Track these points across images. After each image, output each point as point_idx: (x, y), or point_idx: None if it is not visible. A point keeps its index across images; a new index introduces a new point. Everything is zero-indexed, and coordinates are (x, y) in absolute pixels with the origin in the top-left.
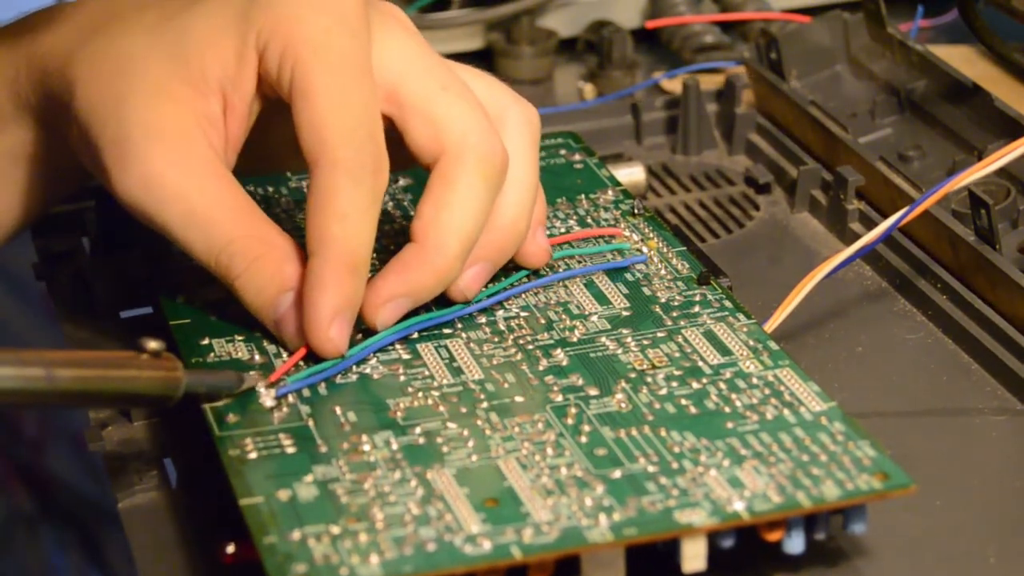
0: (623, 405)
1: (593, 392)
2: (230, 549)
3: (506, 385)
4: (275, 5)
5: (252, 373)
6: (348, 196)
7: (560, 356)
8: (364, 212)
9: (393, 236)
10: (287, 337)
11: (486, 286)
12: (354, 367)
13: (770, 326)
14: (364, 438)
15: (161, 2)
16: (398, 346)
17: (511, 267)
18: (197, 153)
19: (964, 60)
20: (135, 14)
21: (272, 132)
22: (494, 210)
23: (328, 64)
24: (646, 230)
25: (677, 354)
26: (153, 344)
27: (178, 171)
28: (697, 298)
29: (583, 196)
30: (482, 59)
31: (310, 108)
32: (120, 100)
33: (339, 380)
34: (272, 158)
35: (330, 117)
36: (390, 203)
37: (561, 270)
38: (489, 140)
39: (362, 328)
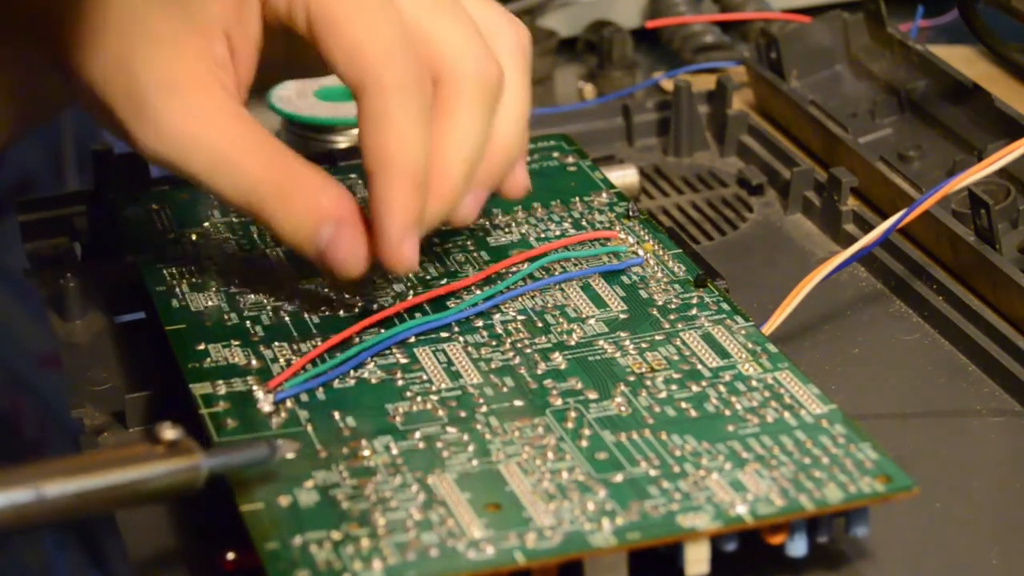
0: (623, 409)
1: (592, 396)
2: (231, 556)
3: (505, 389)
4: None
5: (284, 441)
6: (402, 115)
7: (558, 360)
8: (419, 127)
9: None
10: (336, 266)
11: (481, 290)
12: (352, 372)
13: (768, 328)
14: (364, 443)
15: None
16: (395, 350)
17: (507, 271)
18: (213, 99)
19: (964, 60)
20: None
21: (279, 51)
22: (490, 136)
23: None
24: (642, 232)
25: (676, 357)
26: (170, 433)
27: (197, 120)
28: (694, 300)
29: (577, 199)
30: None
31: (342, 36)
32: (126, 54)
33: (337, 385)
34: (285, 70)
35: (366, 41)
36: None
37: (557, 273)
38: (485, 63)
39: (357, 335)
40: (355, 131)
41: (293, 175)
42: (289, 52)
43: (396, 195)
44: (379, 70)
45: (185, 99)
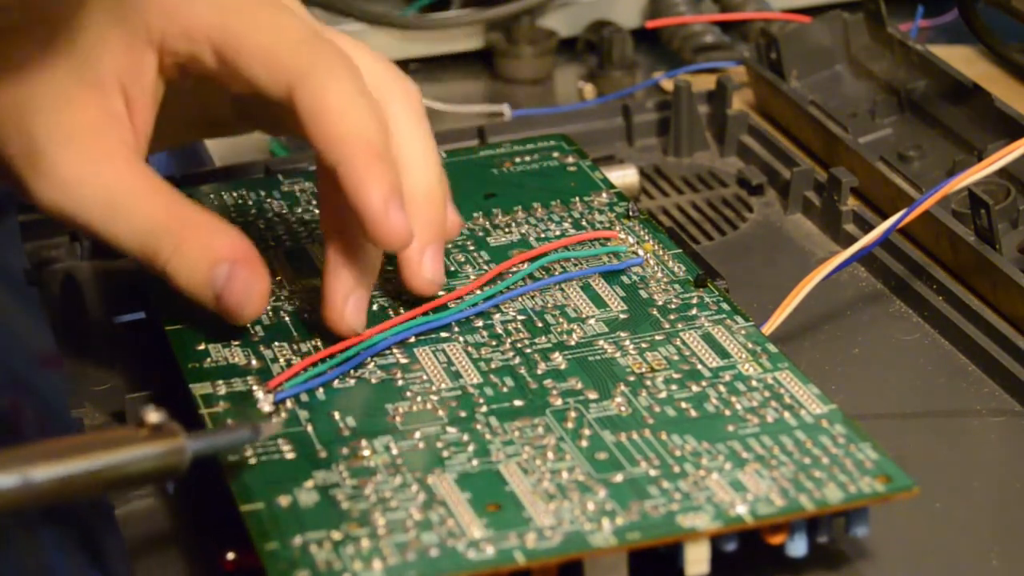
0: (623, 409)
1: (592, 396)
2: (230, 556)
3: (505, 389)
4: None
5: (272, 422)
6: (339, 93)
7: (558, 360)
8: (359, 101)
9: None
10: (232, 306)
11: (482, 289)
12: (352, 372)
13: (768, 328)
14: (364, 443)
15: (44, 18)
16: (395, 350)
17: (507, 272)
18: (108, 149)
19: (964, 60)
20: (23, 30)
21: (184, 106)
22: (411, 188)
23: (239, 12)
24: (642, 232)
25: (676, 357)
26: (153, 416)
27: (92, 168)
28: (694, 300)
29: (577, 199)
30: (482, 59)
31: (254, 48)
32: (22, 111)
33: (337, 385)
34: (192, 127)
35: (278, 41)
36: None
37: (557, 273)
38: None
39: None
40: None
41: (187, 220)
42: (202, 106)
43: (363, 171)
44: (300, 61)
45: (80, 148)
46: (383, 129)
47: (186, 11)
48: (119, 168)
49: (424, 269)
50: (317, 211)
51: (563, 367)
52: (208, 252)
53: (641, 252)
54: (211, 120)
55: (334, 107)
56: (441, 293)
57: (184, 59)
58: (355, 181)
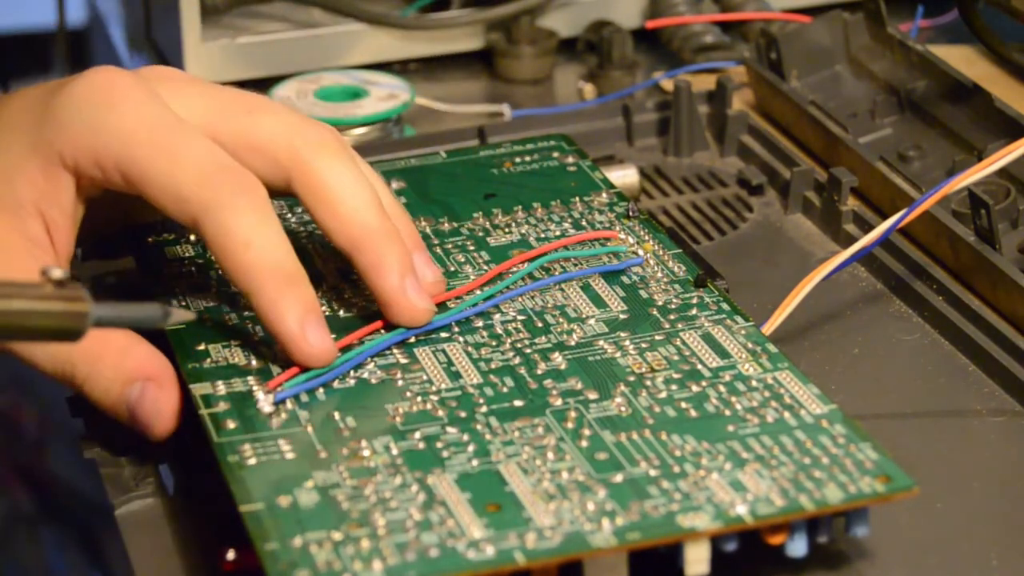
0: (623, 409)
1: (592, 396)
2: (230, 556)
3: (505, 389)
4: (66, 126)
5: (182, 309)
6: (236, 226)
7: (558, 360)
8: (263, 228)
9: None
10: (142, 422)
11: (481, 289)
12: (352, 372)
13: (768, 328)
14: (364, 443)
15: None
16: (395, 350)
17: (507, 272)
18: (26, 275)
19: (964, 60)
20: None
21: (109, 208)
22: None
23: (141, 144)
24: (642, 232)
25: (676, 357)
26: (58, 273)
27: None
28: (694, 300)
29: (577, 199)
30: (482, 59)
31: (154, 183)
32: None
33: (337, 385)
34: (118, 221)
35: (177, 177)
36: None
37: (557, 273)
38: (314, 131)
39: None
40: (355, 131)
41: (102, 340)
42: (127, 204)
43: (273, 297)
44: (201, 195)
45: None
46: (290, 249)
47: (92, 142)
48: None
49: (419, 275)
50: None
51: (563, 367)
52: (121, 370)
53: (641, 252)
54: (135, 214)
55: (236, 243)
56: None
57: (100, 181)
58: (267, 310)
